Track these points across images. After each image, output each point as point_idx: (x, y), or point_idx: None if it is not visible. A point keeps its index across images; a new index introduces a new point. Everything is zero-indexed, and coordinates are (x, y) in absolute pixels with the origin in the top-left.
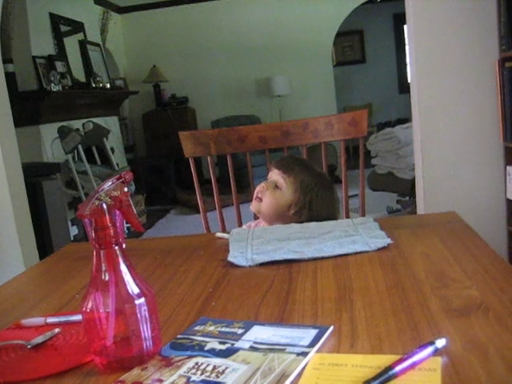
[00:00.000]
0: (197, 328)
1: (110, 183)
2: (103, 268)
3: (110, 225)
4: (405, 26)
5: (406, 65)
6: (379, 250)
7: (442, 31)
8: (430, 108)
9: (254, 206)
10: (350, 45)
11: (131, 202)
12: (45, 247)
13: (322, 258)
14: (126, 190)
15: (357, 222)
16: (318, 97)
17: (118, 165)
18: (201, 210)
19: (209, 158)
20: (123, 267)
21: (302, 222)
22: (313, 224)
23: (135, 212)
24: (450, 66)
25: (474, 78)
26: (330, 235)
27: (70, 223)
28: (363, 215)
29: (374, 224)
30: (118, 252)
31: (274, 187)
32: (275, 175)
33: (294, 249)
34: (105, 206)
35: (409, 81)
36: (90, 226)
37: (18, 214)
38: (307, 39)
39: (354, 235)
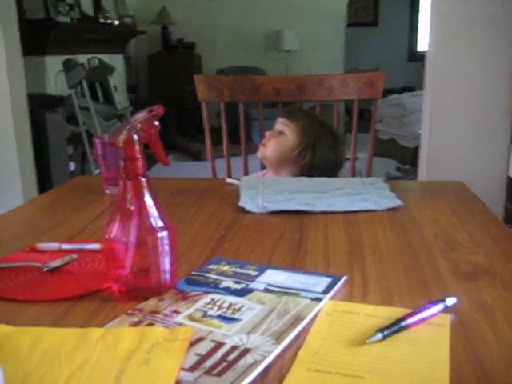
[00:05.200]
0: (211, 266)
1: (141, 115)
2: (129, 198)
3: (139, 156)
4: None
5: (417, 32)
6: (389, 210)
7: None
8: (444, 78)
9: (260, 152)
10: (364, 6)
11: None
12: (44, 180)
13: (333, 213)
14: (156, 123)
15: (367, 181)
16: (326, 56)
17: (119, 104)
18: (209, 156)
19: (221, 104)
20: (148, 199)
21: (305, 165)
22: (323, 179)
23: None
24: (469, 39)
25: (492, 51)
26: (340, 191)
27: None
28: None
29: (384, 185)
30: (144, 184)
31: (279, 134)
32: (279, 123)
33: (305, 201)
34: (136, 137)
35: (418, 49)
36: (118, 155)
37: (20, 145)
38: None
39: (364, 193)
